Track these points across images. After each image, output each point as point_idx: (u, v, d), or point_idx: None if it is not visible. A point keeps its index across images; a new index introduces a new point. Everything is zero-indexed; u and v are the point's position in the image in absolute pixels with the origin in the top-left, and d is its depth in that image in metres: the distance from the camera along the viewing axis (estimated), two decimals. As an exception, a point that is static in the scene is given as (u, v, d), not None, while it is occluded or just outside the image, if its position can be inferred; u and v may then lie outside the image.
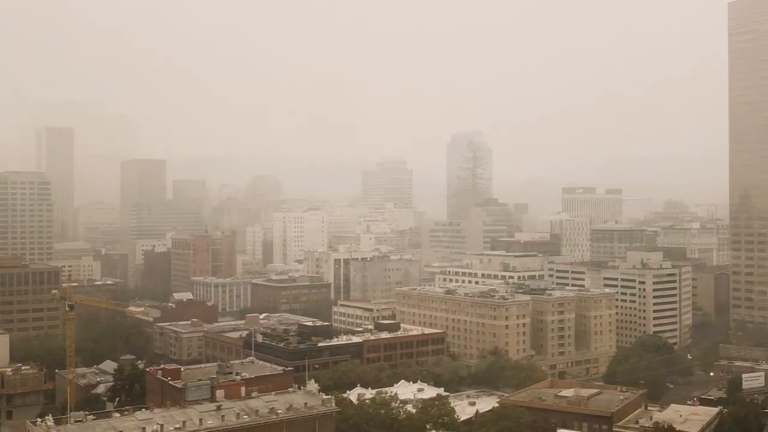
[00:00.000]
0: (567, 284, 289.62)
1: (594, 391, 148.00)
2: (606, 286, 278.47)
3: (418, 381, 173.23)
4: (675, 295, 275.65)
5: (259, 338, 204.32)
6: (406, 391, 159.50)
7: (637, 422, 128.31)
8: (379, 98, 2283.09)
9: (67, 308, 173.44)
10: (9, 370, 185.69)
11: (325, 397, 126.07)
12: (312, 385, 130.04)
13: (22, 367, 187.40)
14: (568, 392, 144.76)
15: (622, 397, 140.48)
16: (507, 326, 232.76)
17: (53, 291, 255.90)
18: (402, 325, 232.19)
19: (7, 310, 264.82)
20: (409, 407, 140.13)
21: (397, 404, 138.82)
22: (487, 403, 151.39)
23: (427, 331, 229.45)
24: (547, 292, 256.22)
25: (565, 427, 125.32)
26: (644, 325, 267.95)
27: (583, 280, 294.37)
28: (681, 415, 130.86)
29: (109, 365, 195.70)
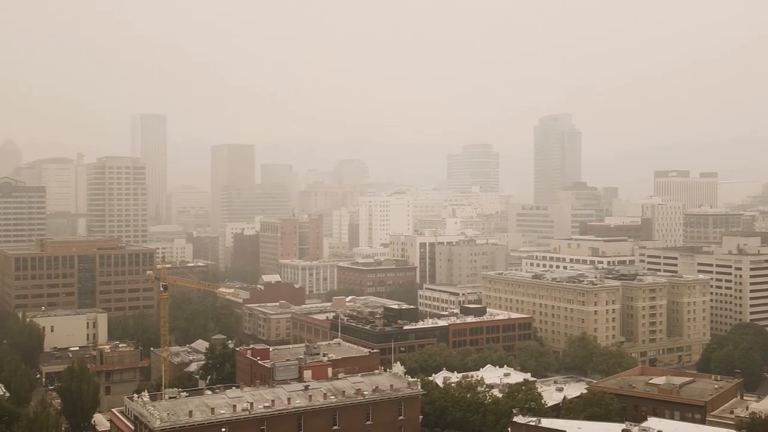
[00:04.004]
0: (659, 270, 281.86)
1: (687, 379, 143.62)
2: (700, 272, 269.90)
3: (505, 366, 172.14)
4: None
5: (346, 320, 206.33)
6: (492, 375, 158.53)
7: (731, 412, 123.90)
8: (464, 82, 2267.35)
9: (162, 289, 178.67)
10: (107, 347, 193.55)
11: (410, 379, 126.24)
12: (398, 368, 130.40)
13: (120, 345, 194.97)
14: (659, 380, 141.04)
15: (716, 386, 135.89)
16: (596, 312, 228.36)
17: (148, 272, 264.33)
18: (488, 309, 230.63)
19: (105, 289, 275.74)
20: (495, 392, 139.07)
21: (483, 388, 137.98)
22: (575, 389, 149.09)
23: (514, 315, 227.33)
24: (638, 277, 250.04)
25: (656, 415, 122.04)
26: (740, 312, 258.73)
27: (676, 265, 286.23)
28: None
29: (200, 344, 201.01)
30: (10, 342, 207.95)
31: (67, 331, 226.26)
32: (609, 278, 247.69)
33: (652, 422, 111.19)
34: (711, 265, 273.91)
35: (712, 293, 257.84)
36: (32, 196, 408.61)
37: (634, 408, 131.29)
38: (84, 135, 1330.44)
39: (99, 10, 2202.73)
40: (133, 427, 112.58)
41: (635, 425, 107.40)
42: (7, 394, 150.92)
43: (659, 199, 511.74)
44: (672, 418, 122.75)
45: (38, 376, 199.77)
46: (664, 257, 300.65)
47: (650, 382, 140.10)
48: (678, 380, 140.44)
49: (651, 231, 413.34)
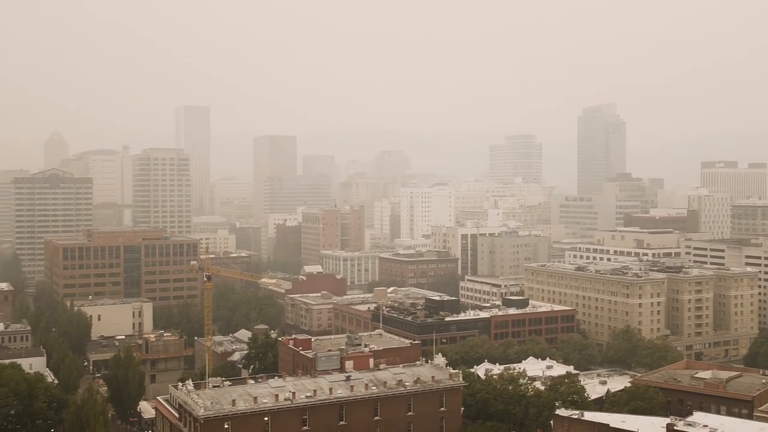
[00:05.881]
0: (705, 262, 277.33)
1: (734, 373, 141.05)
2: (748, 264, 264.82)
3: (547, 358, 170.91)
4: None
5: (387, 311, 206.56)
6: (534, 367, 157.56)
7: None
8: (507, 74, 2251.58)
9: (205, 279, 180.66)
10: (152, 336, 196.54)
11: (452, 371, 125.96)
12: (439, 359, 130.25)
13: (164, 334, 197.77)
14: (705, 374, 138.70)
15: (764, 381, 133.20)
16: (640, 305, 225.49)
17: (192, 262, 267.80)
18: (531, 301, 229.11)
19: (150, 279, 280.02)
20: (538, 384, 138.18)
21: (525, 381, 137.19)
22: (618, 383, 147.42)
23: (557, 308, 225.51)
24: (684, 270, 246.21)
25: (701, 410, 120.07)
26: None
27: (723, 258, 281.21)
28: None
29: (243, 334, 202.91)
30: (58, 330, 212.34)
31: (113, 320, 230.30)
32: (654, 270, 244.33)
33: (698, 417, 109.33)
34: (759, 257, 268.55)
35: (760, 286, 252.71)
36: (79, 188, 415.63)
37: (679, 402, 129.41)
38: (130, 127, 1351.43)
39: (143, 7, 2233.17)
40: (177, 415, 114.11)
41: (680, 420, 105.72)
42: (56, 381, 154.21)
43: (706, 190, 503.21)
44: (718, 413, 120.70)
45: (86, 363, 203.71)
46: (711, 249, 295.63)
47: (696, 376, 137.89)
48: (724, 374, 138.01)
49: (697, 223, 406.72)
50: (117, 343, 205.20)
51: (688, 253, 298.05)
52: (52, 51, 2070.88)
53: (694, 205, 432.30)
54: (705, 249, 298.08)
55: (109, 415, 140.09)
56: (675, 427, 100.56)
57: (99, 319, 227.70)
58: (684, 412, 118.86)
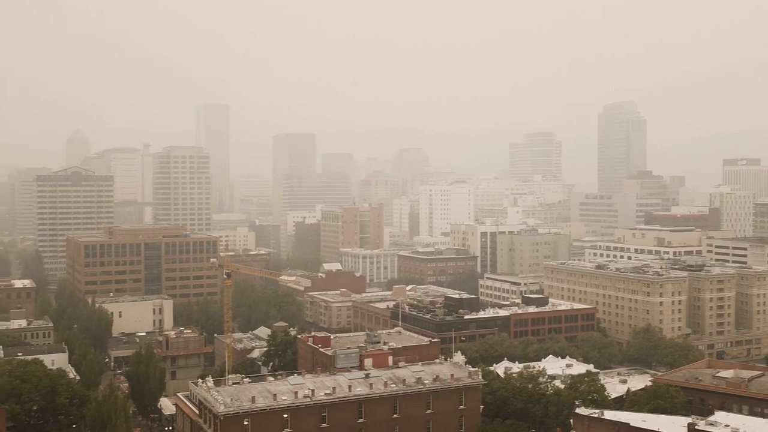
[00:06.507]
0: (727, 261, 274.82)
1: (756, 372, 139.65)
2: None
3: (567, 356, 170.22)
4: None
5: (406, 309, 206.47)
6: (554, 366, 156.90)
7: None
8: (525, 71, 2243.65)
9: (225, 276, 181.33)
10: (173, 333, 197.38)
11: (471, 369, 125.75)
12: (459, 357, 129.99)
13: (185, 331, 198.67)
14: (727, 373, 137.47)
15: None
16: (661, 303, 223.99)
17: (212, 259, 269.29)
18: (550, 299, 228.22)
19: (170, 276, 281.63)
20: (557, 383, 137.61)
21: (544, 379, 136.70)
22: (639, 382, 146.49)
23: (577, 306, 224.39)
24: (705, 268, 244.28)
25: (723, 409, 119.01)
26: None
27: (746, 256, 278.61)
28: None
29: (263, 331, 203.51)
30: (80, 327, 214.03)
31: (134, 316, 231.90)
32: (675, 269, 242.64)
33: (719, 416, 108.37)
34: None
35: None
36: (101, 185, 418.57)
37: (700, 401, 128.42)
38: (150, 125, 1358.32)
39: (162, 11, 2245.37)
40: (197, 412, 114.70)
41: (702, 419, 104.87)
42: (78, 378, 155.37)
43: (728, 187, 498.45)
44: (740, 412, 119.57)
45: (107, 360, 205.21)
46: (733, 248, 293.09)
47: (717, 375, 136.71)
48: (747, 374, 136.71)
49: (719, 221, 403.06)
50: (138, 340, 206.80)
51: (709, 252, 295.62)
52: (74, 54, 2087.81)
53: (715, 202, 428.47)
54: (727, 247, 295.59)
55: (130, 412, 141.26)
56: (696, 427, 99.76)
57: (120, 316, 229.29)
58: (705, 412, 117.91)
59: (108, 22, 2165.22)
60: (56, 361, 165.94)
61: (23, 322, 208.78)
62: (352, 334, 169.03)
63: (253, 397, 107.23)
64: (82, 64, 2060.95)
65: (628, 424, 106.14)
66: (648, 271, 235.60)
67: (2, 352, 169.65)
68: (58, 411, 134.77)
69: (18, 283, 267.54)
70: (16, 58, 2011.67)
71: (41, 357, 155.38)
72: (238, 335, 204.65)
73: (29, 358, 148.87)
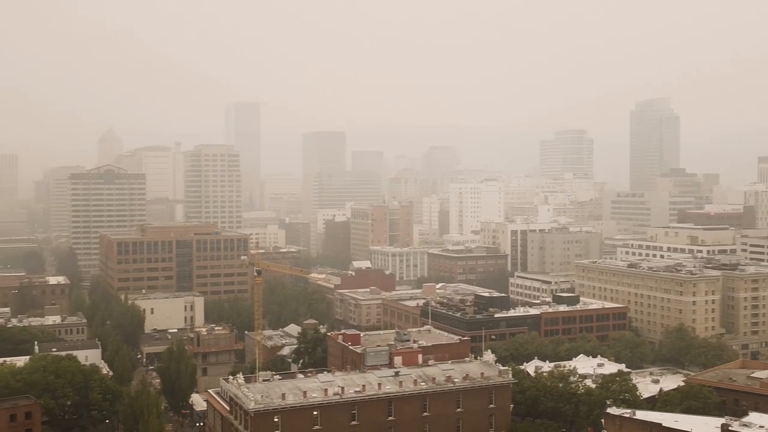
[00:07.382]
0: (762, 260, 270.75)
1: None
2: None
3: (598, 356, 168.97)
4: None
5: (436, 307, 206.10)
6: (585, 365, 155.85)
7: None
8: (556, 68, 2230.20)
9: (255, 273, 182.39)
10: (204, 330, 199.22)
11: (501, 368, 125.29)
12: (489, 356, 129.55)
13: (216, 328, 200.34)
14: (761, 374, 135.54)
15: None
16: (694, 302, 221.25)
17: (243, 257, 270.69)
18: (581, 298, 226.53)
19: (201, 274, 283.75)
20: (589, 382, 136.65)
21: (575, 378, 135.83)
22: (671, 382, 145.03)
23: (608, 305, 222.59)
24: (740, 267, 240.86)
25: (757, 410, 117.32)
26: None
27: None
28: None
29: (293, 329, 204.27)
30: (113, 323, 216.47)
31: (166, 313, 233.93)
32: (708, 268, 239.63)
33: (754, 417, 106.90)
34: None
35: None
36: (133, 183, 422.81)
37: (734, 402, 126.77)
38: (181, 124, 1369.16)
39: (192, 6, 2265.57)
40: (228, 408, 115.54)
41: (735, 420, 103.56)
42: (111, 373, 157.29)
43: (763, 185, 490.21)
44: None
45: (139, 356, 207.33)
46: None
47: (752, 375, 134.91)
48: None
49: (754, 219, 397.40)
50: (169, 337, 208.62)
51: (744, 250, 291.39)
52: (106, 52, 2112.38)
53: (750, 200, 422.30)
54: (762, 246, 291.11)
55: (162, 407, 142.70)
56: (730, 428, 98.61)
57: (152, 313, 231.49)
58: (739, 413, 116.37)
59: (136, 32, 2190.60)
60: (90, 357, 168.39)
61: (57, 319, 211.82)
62: (381, 332, 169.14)
63: (284, 394, 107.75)
64: (116, 65, 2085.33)
65: (660, 424, 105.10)
66: (681, 270, 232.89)
67: (37, 347, 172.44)
68: (91, 406, 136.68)
69: (52, 280, 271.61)
70: (51, 59, 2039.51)
71: (75, 353, 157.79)
72: (268, 332, 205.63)
73: (63, 353, 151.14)
